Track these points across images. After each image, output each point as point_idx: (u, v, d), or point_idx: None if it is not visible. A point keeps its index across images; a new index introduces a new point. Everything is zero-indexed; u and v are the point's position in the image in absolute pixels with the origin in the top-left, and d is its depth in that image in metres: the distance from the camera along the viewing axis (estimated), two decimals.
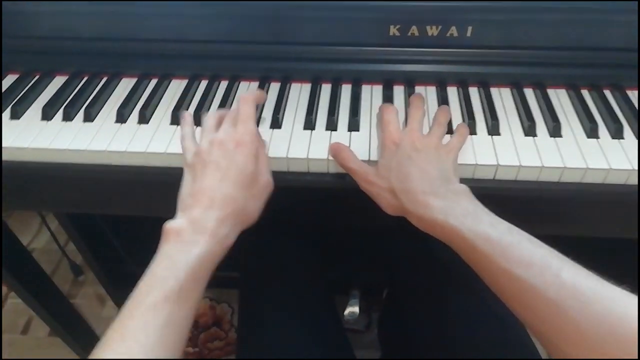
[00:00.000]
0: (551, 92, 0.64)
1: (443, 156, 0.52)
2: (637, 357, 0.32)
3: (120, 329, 0.39)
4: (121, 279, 1.29)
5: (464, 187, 0.48)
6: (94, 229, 1.14)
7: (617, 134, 0.57)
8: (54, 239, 1.22)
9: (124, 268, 1.28)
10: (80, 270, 1.37)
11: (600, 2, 0.59)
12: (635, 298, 0.35)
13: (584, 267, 0.39)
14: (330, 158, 0.56)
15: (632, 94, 0.63)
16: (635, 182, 0.53)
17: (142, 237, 1.26)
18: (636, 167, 0.53)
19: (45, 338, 1.29)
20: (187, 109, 0.63)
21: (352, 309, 1.03)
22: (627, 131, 0.58)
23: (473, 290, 0.61)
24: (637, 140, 0.56)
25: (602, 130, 0.58)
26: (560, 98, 0.63)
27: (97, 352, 0.37)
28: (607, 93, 0.63)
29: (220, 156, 0.48)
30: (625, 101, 0.61)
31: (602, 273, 0.37)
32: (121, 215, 1.12)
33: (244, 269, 0.73)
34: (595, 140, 0.57)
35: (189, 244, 0.43)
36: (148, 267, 0.42)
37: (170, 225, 0.44)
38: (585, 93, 0.63)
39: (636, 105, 0.61)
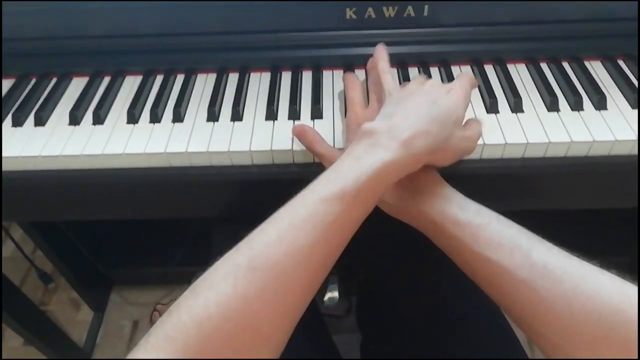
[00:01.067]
0: (511, 67, 0.64)
1: None
2: (609, 335, 0.32)
3: (291, 212, 0.38)
4: (94, 281, 1.27)
5: None
6: (60, 233, 1.11)
7: (576, 105, 0.57)
8: (19, 249, 1.17)
9: (95, 270, 1.25)
10: (50, 278, 1.33)
11: None
12: (606, 274, 0.35)
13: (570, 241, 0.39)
14: (296, 148, 0.54)
15: (589, 65, 0.63)
16: (597, 153, 0.54)
17: (108, 239, 1.24)
18: (597, 139, 0.53)
19: (20, 347, 1.25)
20: (144, 105, 0.61)
21: (332, 295, 1.02)
22: (587, 102, 0.58)
23: (448, 269, 0.61)
24: (596, 112, 0.57)
25: (562, 102, 0.58)
26: (520, 73, 0.63)
27: (264, 226, 0.37)
28: (566, 65, 0.63)
29: (432, 89, 0.46)
30: (583, 72, 0.62)
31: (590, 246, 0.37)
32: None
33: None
34: (555, 113, 0.57)
35: (379, 147, 0.40)
36: (335, 161, 0.41)
37: (367, 124, 0.42)
38: (544, 66, 0.63)
39: (594, 75, 0.61)
